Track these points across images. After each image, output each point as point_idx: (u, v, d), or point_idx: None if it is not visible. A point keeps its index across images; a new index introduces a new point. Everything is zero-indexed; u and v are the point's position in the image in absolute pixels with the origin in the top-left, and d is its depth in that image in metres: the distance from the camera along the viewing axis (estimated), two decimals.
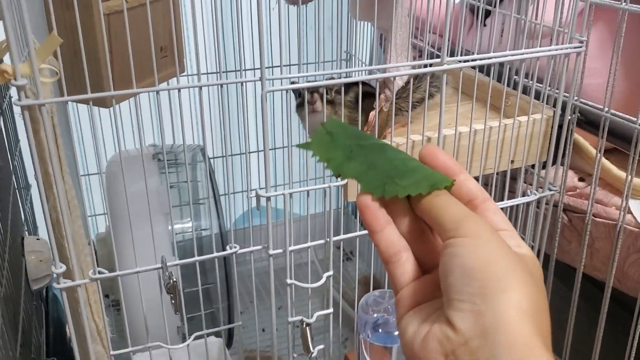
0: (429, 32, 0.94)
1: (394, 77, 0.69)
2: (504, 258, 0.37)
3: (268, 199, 0.66)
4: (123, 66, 0.84)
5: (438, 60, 0.68)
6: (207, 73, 1.36)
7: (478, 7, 1.03)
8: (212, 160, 1.38)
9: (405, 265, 0.43)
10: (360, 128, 0.69)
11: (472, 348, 0.36)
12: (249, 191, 0.69)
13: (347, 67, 1.42)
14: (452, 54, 1.03)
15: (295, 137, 1.52)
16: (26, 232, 1.17)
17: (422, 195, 0.41)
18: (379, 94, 0.72)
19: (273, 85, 0.62)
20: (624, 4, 0.72)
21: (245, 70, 1.30)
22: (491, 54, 0.71)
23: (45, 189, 0.62)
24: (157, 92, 0.63)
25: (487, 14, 1.08)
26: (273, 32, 1.43)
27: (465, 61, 0.69)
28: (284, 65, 0.67)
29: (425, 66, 0.68)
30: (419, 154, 0.44)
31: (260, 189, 0.66)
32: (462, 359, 0.36)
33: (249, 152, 0.69)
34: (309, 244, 0.71)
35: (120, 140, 0.66)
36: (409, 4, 0.83)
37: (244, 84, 0.63)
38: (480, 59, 0.70)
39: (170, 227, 1.03)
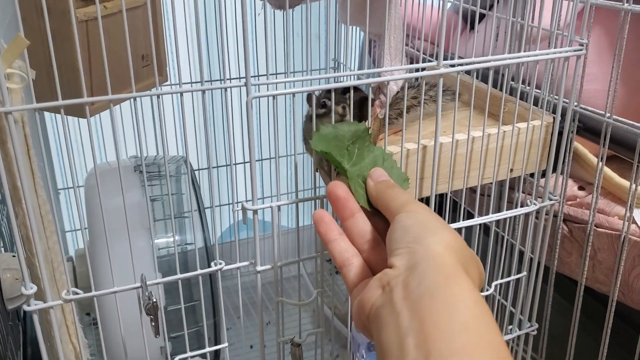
0: (420, 39, 0.91)
1: (388, 82, 0.65)
2: (437, 219, 0.47)
3: (255, 212, 0.62)
4: (103, 75, 0.80)
5: (434, 63, 0.65)
6: (191, 82, 1.32)
7: (469, 14, 1.00)
8: (196, 172, 1.34)
9: (357, 268, 0.50)
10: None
11: (405, 277, 0.42)
12: (234, 204, 0.65)
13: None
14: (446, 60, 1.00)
15: (283, 148, 1.49)
16: (2, 249, 1.12)
17: (377, 189, 0.53)
18: (374, 100, 0.68)
19: (259, 91, 0.58)
20: (626, 4, 0.69)
21: (230, 79, 1.26)
22: (489, 57, 0.67)
23: (13, 204, 0.57)
24: (135, 99, 0.58)
25: (478, 19, 1.05)
26: (258, 40, 1.39)
27: (462, 65, 0.66)
28: (270, 74, 0.64)
29: (421, 70, 0.65)
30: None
31: (246, 201, 0.62)
32: (395, 287, 0.42)
33: (235, 164, 0.64)
34: (298, 259, 0.67)
35: (96, 152, 0.61)
36: (402, 11, 0.79)
37: (229, 89, 0.59)
38: (478, 62, 0.67)
39: (152, 242, 0.98)
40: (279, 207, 0.64)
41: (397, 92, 0.72)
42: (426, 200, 0.71)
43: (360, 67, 1.47)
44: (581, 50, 0.70)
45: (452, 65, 0.66)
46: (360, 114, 0.68)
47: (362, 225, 0.52)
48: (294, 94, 0.61)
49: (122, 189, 0.63)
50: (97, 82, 0.84)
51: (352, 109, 0.68)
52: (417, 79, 0.82)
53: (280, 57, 1.29)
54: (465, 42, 1.16)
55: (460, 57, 1.08)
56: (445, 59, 0.64)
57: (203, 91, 0.59)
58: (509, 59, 0.68)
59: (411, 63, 1.23)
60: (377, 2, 0.69)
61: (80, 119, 0.83)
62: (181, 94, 0.59)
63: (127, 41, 0.58)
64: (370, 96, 0.66)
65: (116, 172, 0.99)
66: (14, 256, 1.01)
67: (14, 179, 0.56)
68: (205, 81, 0.57)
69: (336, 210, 0.53)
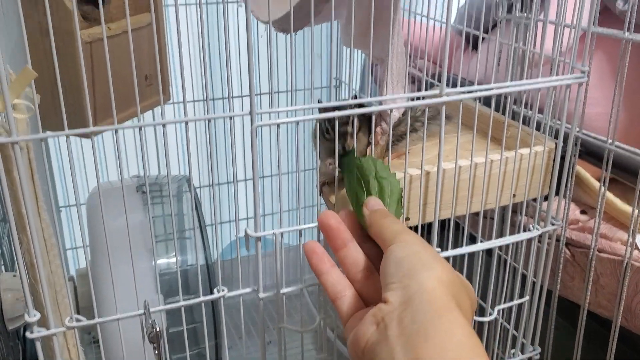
0: (423, 58, 0.91)
1: (391, 110, 0.66)
2: (429, 251, 0.47)
3: (258, 239, 0.62)
4: (107, 95, 0.80)
5: (436, 92, 0.65)
6: (194, 101, 1.33)
7: (471, 34, 1.00)
8: (198, 190, 1.34)
9: (350, 299, 0.51)
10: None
11: (399, 312, 0.43)
12: (237, 221, 0.65)
13: (336, 94, 1.39)
14: (447, 82, 1.01)
15: (285, 165, 1.49)
16: (3, 268, 1.12)
17: (371, 219, 0.53)
18: (375, 126, 0.69)
19: (262, 120, 0.59)
20: (627, 33, 0.69)
21: (232, 97, 1.27)
22: (491, 85, 0.68)
23: (17, 231, 0.57)
24: (140, 128, 0.58)
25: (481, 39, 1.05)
26: (261, 58, 1.40)
27: (465, 92, 0.66)
28: (274, 92, 0.64)
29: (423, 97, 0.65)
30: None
31: (248, 220, 0.62)
32: (390, 323, 0.43)
33: (237, 181, 0.65)
34: (302, 286, 0.67)
35: (99, 172, 0.61)
36: (404, 31, 0.80)
37: (233, 118, 0.59)
38: (480, 90, 0.67)
39: (158, 263, 0.98)
40: (282, 233, 0.64)
41: (398, 118, 0.72)
42: (429, 226, 0.72)
43: (362, 86, 1.48)
44: (583, 77, 0.71)
45: (454, 85, 0.66)
46: (368, 130, 0.69)
47: (355, 254, 0.53)
48: (297, 122, 0.61)
49: (126, 210, 0.63)
50: (101, 102, 0.85)
51: (355, 134, 0.69)
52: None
53: (282, 74, 1.30)
54: (468, 61, 1.16)
55: (463, 78, 1.09)
56: (447, 79, 0.64)
57: (208, 120, 0.59)
58: (512, 86, 0.69)
59: (413, 82, 1.24)
60: (380, 28, 0.69)
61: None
62: (186, 123, 0.59)
63: (133, 62, 0.58)
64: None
65: (118, 192, 0.99)
66: (14, 276, 1.01)
67: (19, 206, 0.57)
68: (210, 99, 0.58)
69: (329, 240, 0.54)
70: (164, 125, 0.58)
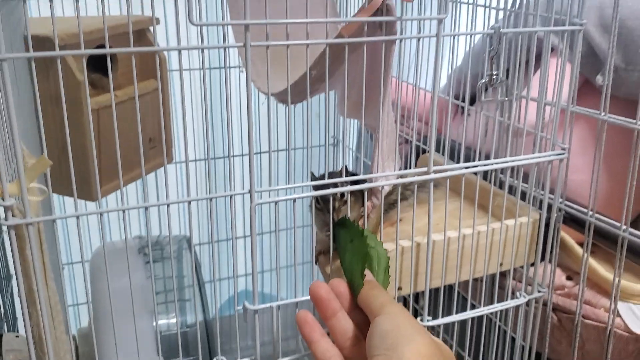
0: (414, 119, 0.96)
1: (382, 187, 0.70)
2: (413, 324, 0.51)
3: (256, 311, 0.65)
4: (112, 159, 0.84)
5: (424, 169, 0.69)
6: (195, 160, 1.37)
7: (460, 100, 1.05)
8: (197, 247, 1.37)
9: None
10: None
11: None
12: (235, 278, 0.68)
13: (334, 153, 1.44)
14: (437, 146, 1.05)
15: (283, 222, 1.53)
16: (6, 326, 1.14)
17: (362, 290, 0.57)
18: (367, 200, 0.72)
19: (261, 198, 0.63)
20: (602, 114, 0.74)
21: (233, 156, 1.31)
22: (477, 162, 0.72)
23: (27, 304, 0.61)
24: (146, 208, 0.62)
25: (471, 102, 1.10)
26: (261, 119, 1.45)
27: (452, 169, 0.70)
28: (273, 151, 0.68)
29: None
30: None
31: (247, 277, 0.65)
32: None
33: (236, 238, 0.68)
34: (298, 355, 0.70)
35: (105, 235, 0.64)
36: (394, 94, 0.84)
37: (233, 197, 0.63)
38: (466, 167, 0.71)
39: (154, 324, 1.00)
40: (279, 306, 0.67)
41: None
42: (418, 295, 0.75)
43: (358, 145, 1.53)
44: (563, 154, 0.75)
45: (444, 149, 0.70)
46: (360, 201, 0.73)
47: (344, 323, 0.57)
48: (295, 199, 0.65)
49: (129, 272, 0.66)
50: (106, 165, 0.89)
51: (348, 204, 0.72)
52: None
53: (282, 133, 1.35)
54: (457, 125, 1.21)
55: (452, 141, 1.13)
56: (437, 142, 0.68)
57: (210, 199, 0.63)
58: (496, 163, 0.73)
59: (406, 142, 1.28)
60: (372, 102, 0.74)
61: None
62: (189, 202, 0.63)
63: (139, 127, 0.62)
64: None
65: (120, 253, 1.03)
66: (17, 336, 1.03)
67: (30, 282, 0.60)
68: (211, 159, 0.62)
69: (319, 310, 0.58)
70: (168, 205, 0.62)
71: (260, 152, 1.37)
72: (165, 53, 0.92)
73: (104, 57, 0.57)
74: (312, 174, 0.71)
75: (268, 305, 0.66)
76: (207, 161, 0.63)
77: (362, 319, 0.57)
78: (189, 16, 0.54)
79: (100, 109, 0.87)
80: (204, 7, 0.83)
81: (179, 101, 1.36)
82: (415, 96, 0.77)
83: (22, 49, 0.79)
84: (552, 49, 0.83)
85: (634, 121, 0.72)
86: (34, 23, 0.88)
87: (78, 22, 0.56)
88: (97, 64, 0.86)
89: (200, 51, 0.58)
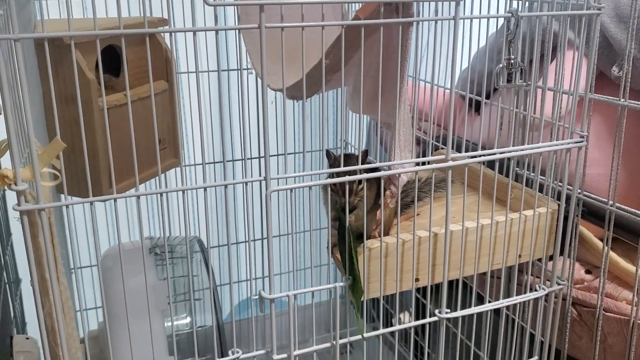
0: (427, 121, 0.95)
1: (399, 174, 0.68)
2: None
3: (272, 300, 0.64)
4: (121, 158, 0.83)
5: (442, 156, 0.68)
6: (214, 162, 1.36)
7: (471, 98, 1.04)
8: (211, 249, 1.36)
9: None
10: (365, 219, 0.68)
11: None
12: (250, 280, 0.67)
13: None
14: (452, 145, 1.04)
15: (300, 225, 1.51)
16: (15, 330, 1.13)
17: None
18: (384, 190, 0.71)
19: (278, 184, 0.62)
20: (622, 100, 0.73)
21: (251, 159, 1.30)
22: (495, 150, 0.71)
23: (41, 295, 0.59)
24: (161, 192, 0.61)
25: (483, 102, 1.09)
26: (272, 122, 1.45)
27: (470, 157, 0.69)
28: (289, 153, 0.67)
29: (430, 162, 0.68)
30: None
31: (263, 280, 0.64)
32: None
33: (253, 240, 0.67)
34: (314, 347, 0.68)
35: (112, 232, 0.64)
36: (409, 95, 0.83)
37: (249, 184, 0.62)
38: (484, 155, 0.70)
39: (165, 325, 0.99)
40: (295, 295, 0.65)
41: (407, 183, 0.75)
42: (437, 286, 0.73)
43: (368, 147, 1.52)
44: (582, 141, 0.74)
45: (458, 147, 0.69)
46: (376, 191, 0.72)
47: None
48: (310, 187, 0.64)
49: (142, 272, 0.65)
50: (116, 165, 0.88)
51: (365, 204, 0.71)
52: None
53: (291, 136, 1.34)
54: (471, 124, 1.20)
55: (467, 140, 1.12)
56: (452, 141, 0.67)
57: (225, 185, 0.62)
58: (514, 150, 0.72)
59: (417, 144, 1.27)
60: (387, 96, 0.73)
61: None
62: (205, 189, 0.62)
63: (155, 126, 0.62)
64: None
65: (131, 254, 1.02)
66: (27, 339, 1.02)
67: (43, 271, 0.59)
68: (227, 161, 0.61)
69: None
70: (183, 192, 0.61)
71: (278, 154, 1.36)
72: (174, 55, 0.91)
73: (113, 58, 0.56)
74: (328, 152, 0.70)
75: (284, 294, 0.64)
76: (222, 146, 0.63)
77: None
78: None
79: (110, 108, 0.87)
80: None
81: (187, 104, 1.36)
82: (431, 92, 0.76)
83: (32, 49, 0.79)
84: (568, 43, 0.82)
85: None
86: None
87: (94, 14, 0.56)
88: (106, 65, 0.86)
89: (215, 33, 0.57)
